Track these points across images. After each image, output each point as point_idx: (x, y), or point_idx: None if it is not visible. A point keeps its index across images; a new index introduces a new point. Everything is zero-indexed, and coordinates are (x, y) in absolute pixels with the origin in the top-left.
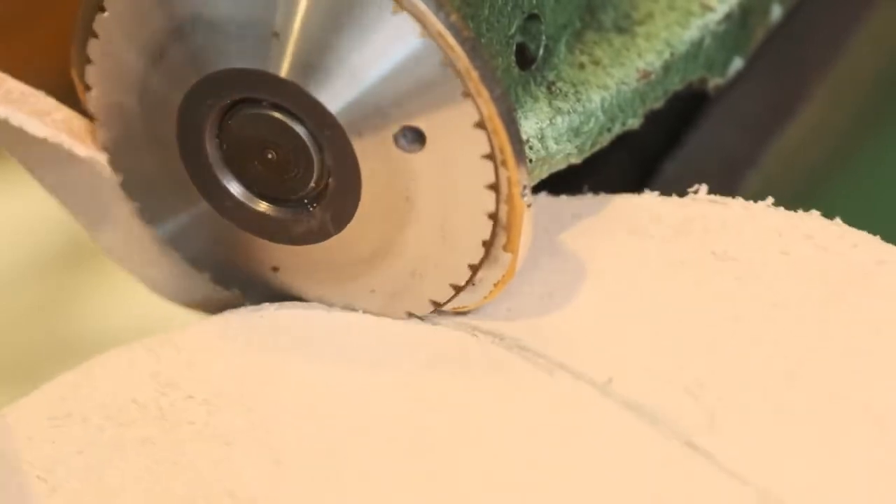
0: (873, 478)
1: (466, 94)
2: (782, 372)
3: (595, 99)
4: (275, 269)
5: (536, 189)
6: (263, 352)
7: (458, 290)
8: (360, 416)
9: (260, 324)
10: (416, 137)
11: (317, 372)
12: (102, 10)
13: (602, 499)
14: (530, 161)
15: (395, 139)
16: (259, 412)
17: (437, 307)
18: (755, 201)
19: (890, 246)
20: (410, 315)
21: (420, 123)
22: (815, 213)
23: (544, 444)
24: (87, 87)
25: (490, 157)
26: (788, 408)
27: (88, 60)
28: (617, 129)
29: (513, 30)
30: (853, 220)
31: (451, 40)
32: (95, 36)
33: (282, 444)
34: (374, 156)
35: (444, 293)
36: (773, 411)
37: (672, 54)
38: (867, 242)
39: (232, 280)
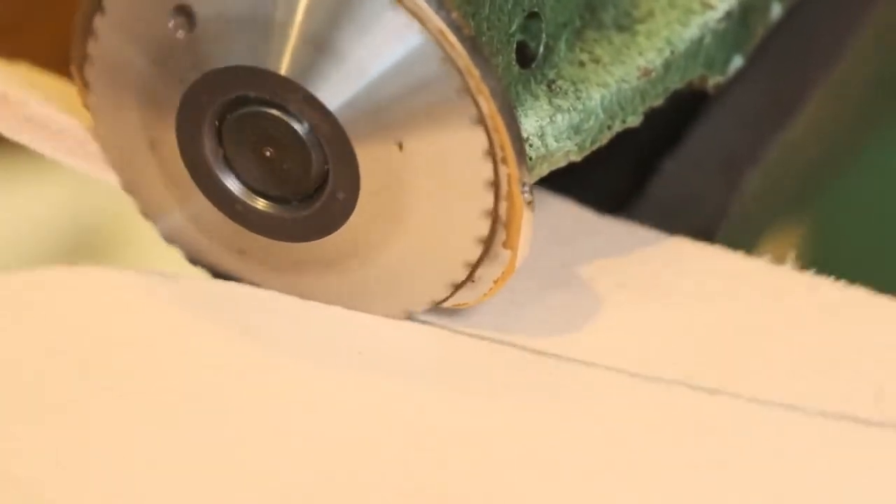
0: None
1: (467, 92)
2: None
3: (595, 97)
4: (274, 266)
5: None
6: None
7: (456, 287)
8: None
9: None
10: None
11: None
12: (102, 9)
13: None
14: (530, 159)
15: None
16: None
17: (437, 304)
18: (756, 199)
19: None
20: (408, 313)
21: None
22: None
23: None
24: (87, 85)
25: (490, 154)
26: None
27: (87, 58)
28: (617, 127)
29: (513, 28)
30: (854, 218)
31: (452, 38)
32: (94, 34)
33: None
34: (372, 154)
35: (441, 291)
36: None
37: (673, 52)
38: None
39: (231, 277)
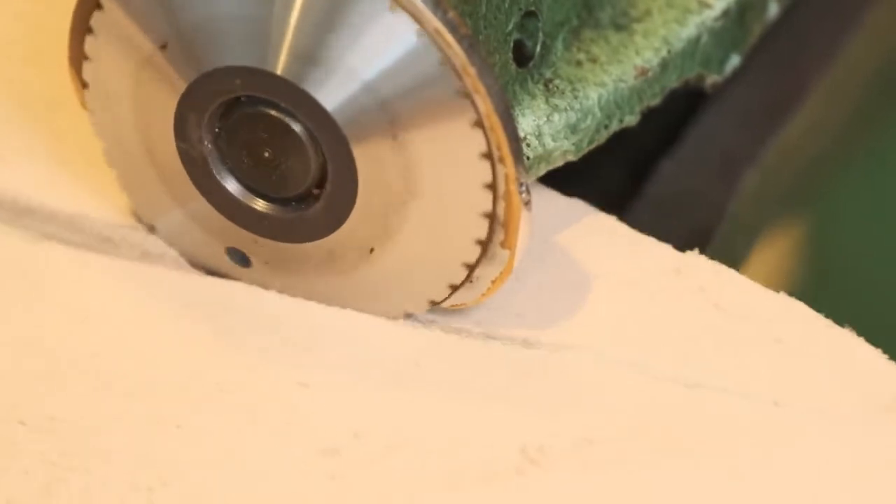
0: None
1: (464, 92)
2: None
3: (592, 96)
4: (271, 265)
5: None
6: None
7: (454, 288)
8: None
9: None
10: None
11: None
12: (100, 7)
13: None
14: (527, 158)
15: None
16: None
17: (435, 305)
18: (754, 199)
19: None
20: (406, 314)
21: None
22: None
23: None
24: (84, 84)
25: (487, 154)
26: None
27: (85, 57)
28: (614, 127)
29: (510, 27)
30: (851, 216)
31: (449, 37)
32: (92, 32)
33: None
34: (370, 154)
35: (440, 292)
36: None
37: (669, 51)
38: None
39: (229, 277)
